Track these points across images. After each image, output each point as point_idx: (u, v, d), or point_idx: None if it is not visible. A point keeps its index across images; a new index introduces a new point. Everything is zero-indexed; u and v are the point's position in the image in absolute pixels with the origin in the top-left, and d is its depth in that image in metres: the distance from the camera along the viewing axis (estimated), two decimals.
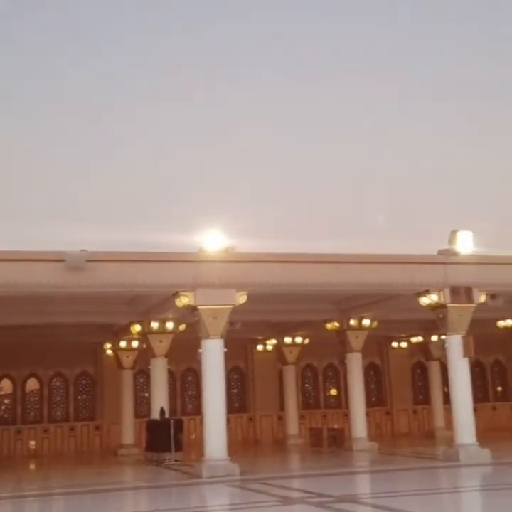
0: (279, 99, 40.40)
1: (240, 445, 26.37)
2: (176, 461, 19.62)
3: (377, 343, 29.05)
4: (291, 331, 26.43)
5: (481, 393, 30.02)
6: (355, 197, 38.42)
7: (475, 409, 18.99)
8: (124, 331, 23.79)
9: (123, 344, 25.07)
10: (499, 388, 31.72)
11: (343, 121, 39.89)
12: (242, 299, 17.18)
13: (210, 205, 31.92)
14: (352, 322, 22.52)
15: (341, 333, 22.87)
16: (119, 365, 25.43)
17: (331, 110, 40.10)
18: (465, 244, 18.20)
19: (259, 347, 29.21)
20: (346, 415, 24.65)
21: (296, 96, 40.74)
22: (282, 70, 40.73)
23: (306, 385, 30.57)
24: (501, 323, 24.50)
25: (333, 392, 30.67)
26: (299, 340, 27.01)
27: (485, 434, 21.03)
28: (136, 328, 22.08)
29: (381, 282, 18.06)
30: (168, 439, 19.81)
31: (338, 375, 30.36)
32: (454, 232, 18.33)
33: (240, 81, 40.83)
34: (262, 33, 41.76)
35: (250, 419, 29.39)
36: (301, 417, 28.18)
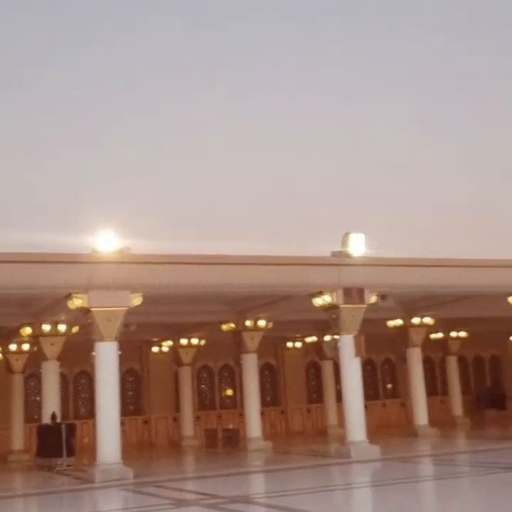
0: (169, 100, 40.26)
1: (135, 448, 26.05)
2: (68, 466, 19.19)
3: (272, 344, 29.36)
4: (187, 332, 26.34)
5: (371, 391, 30.87)
6: (252, 198, 38.71)
7: (366, 407, 19.56)
8: (14, 334, 23.03)
9: (13, 347, 24.27)
10: (389, 385, 32.73)
11: (238, 126, 40.19)
12: (136, 300, 16.99)
13: (104, 205, 31.37)
14: (247, 323, 22.67)
15: (237, 334, 22.98)
16: (9, 369, 24.61)
17: (224, 115, 40.33)
18: (357, 246, 18.64)
19: (155, 349, 28.98)
20: (241, 415, 24.78)
21: (183, 96, 40.74)
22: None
23: (203, 386, 30.57)
24: (391, 323, 25.26)
25: (229, 392, 30.80)
26: (195, 341, 26.94)
27: (375, 431, 21.68)
28: (27, 330, 21.45)
29: (276, 283, 18.28)
30: (60, 443, 19.36)
31: (233, 376, 30.50)
32: (346, 235, 18.74)
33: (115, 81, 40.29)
34: None
35: (145, 422, 29.10)
36: (197, 418, 28.11)
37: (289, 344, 30.86)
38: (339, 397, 21.72)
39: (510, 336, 31.19)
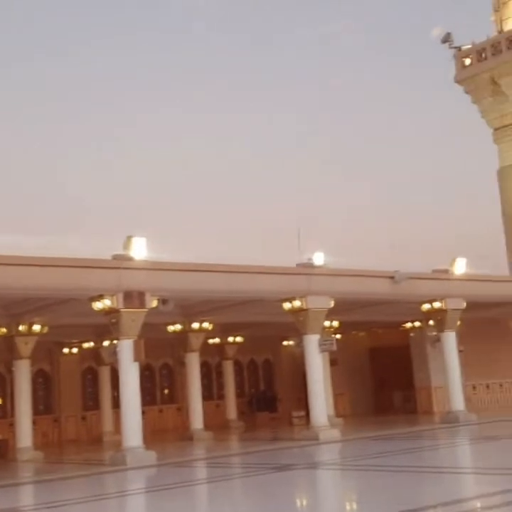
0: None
1: None
2: None
3: (47, 350, 28.22)
4: None
5: (149, 396, 30.70)
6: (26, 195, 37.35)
7: (143, 412, 19.36)
8: None
9: None
10: (166, 391, 32.78)
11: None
12: None
13: None
14: (21, 328, 21.57)
15: (9, 340, 21.79)
16: None
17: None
18: (139, 249, 18.46)
19: None
20: (12, 425, 23.53)
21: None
22: None
23: None
24: (171, 328, 25.34)
25: None
26: None
27: (152, 437, 21.58)
28: None
29: (53, 286, 17.55)
30: None
31: (4, 383, 28.80)
32: (128, 238, 18.49)
33: None
34: None
35: None
36: None
37: (66, 350, 29.82)
38: (116, 403, 21.36)
39: (282, 340, 32.58)
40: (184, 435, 25.43)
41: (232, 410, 30.29)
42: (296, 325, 22.09)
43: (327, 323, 24.74)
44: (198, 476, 17.46)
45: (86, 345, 28.89)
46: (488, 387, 32.42)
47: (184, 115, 56.01)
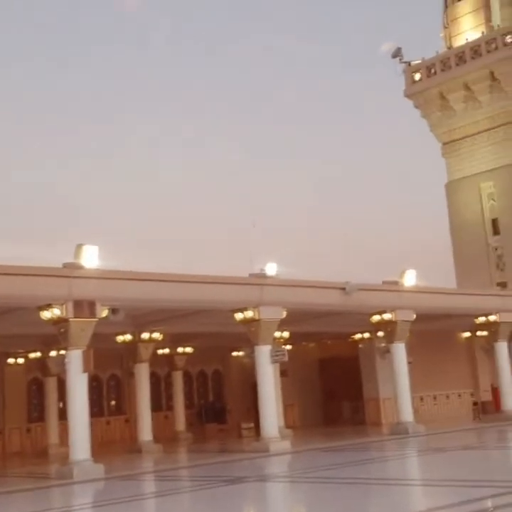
0: None
1: None
2: None
3: None
4: None
5: (96, 408, 30.16)
6: None
7: (90, 424, 18.93)
8: None
9: None
10: (113, 402, 32.26)
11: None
12: None
13: None
14: None
15: None
16: None
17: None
18: (90, 258, 18.11)
19: None
20: None
21: None
22: None
23: None
24: (120, 338, 24.93)
25: None
26: None
27: (99, 449, 21.14)
28: None
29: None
30: None
31: None
32: (79, 246, 18.13)
33: None
34: None
35: None
36: None
37: (11, 360, 29.10)
38: (62, 415, 20.86)
39: (232, 351, 32.44)
40: (132, 447, 25.01)
41: (180, 422, 29.97)
42: (248, 335, 21.97)
43: (278, 334, 24.67)
44: (147, 490, 17.17)
45: (32, 355, 28.23)
46: (435, 398, 32.81)
47: (133, 124, 55.85)
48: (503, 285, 36.28)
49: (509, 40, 37.09)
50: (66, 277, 17.84)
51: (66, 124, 53.52)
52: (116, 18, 56.66)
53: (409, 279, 25.06)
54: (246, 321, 21.68)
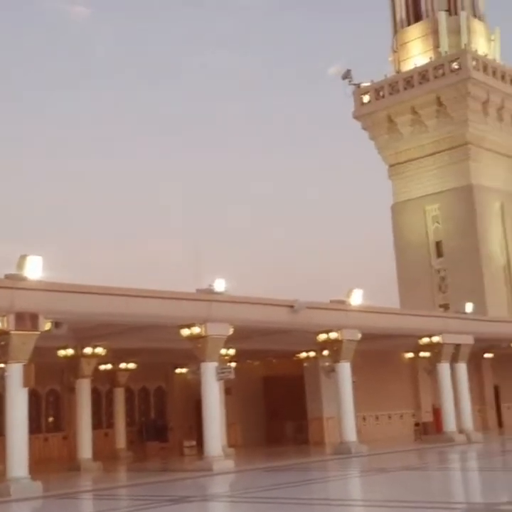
0: None
1: None
2: None
3: None
4: None
5: (34, 424, 29.27)
6: None
7: (28, 441, 18.31)
8: None
9: None
10: (51, 418, 31.39)
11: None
12: None
13: None
14: None
15: None
16: None
17: None
18: (34, 269, 17.58)
19: None
20: None
21: None
22: None
23: None
24: (62, 352, 24.33)
25: None
26: None
27: (37, 466, 20.47)
28: None
29: None
30: None
31: None
32: (23, 257, 17.60)
33: None
34: None
35: None
36: None
37: None
38: None
39: (175, 368, 31.99)
40: (71, 465, 24.38)
41: (121, 439, 29.36)
42: (194, 352, 21.66)
43: (223, 351, 24.42)
44: (86, 509, 16.83)
45: None
46: (377, 418, 32.95)
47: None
48: (445, 307, 36.90)
49: (456, 67, 37.96)
50: (8, 288, 17.29)
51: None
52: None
53: (356, 298, 25.16)
54: (192, 338, 21.38)
